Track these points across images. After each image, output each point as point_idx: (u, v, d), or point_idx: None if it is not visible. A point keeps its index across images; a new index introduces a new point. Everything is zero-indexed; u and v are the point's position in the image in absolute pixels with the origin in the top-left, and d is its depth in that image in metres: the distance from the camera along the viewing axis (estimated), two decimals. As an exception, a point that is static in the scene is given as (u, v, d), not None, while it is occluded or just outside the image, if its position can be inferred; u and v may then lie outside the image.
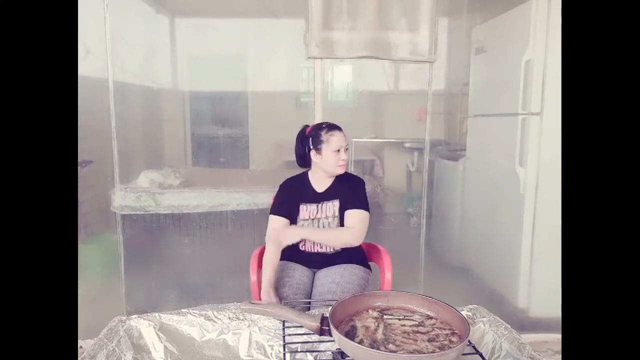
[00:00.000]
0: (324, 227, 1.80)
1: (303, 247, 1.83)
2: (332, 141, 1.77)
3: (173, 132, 3.09)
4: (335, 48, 2.38)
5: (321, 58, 2.40)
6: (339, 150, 1.78)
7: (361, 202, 1.78)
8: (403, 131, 3.31)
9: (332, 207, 1.82)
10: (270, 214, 1.84)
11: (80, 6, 1.08)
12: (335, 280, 1.71)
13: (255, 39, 2.86)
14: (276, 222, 1.81)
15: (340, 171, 1.80)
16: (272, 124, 3.08)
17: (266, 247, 1.79)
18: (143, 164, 2.80)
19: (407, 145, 3.33)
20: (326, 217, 1.81)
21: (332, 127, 1.81)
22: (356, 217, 1.75)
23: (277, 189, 1.91)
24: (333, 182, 1.85)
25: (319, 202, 1.83)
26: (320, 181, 1.85)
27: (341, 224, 1.80)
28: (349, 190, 1.83)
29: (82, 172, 2.02)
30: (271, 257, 1.72)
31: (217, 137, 2.85)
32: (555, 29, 2.25)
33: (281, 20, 2.81)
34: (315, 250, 1.82)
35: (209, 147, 2.90)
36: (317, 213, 1.82)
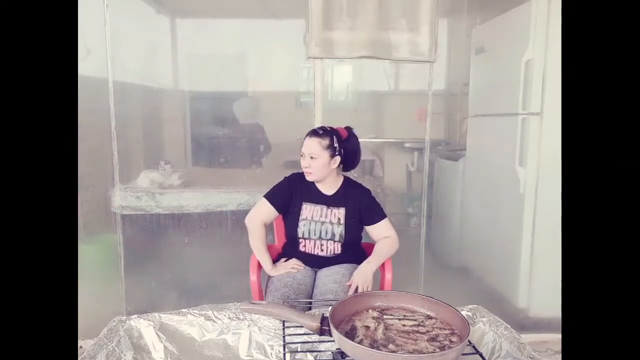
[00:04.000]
0: (326, 233, 1.81)
1: (303, 248, 1.83)
2: (302, 146, 1.81)
3: (173, 132, 3.08)
4: (335, 48, 2.38)
5: (321, 58, 2.40)
6: (302, 156, 1.79)
7: (381, 213, 1.85)
8: (403, 131, 3.31)
9: (338, 213, 1.82)
10: (264, 196, 1.87)
11: (80, 6, 1.08)
12: (336, 280, 1.72)
13: (255, 39, 2.85)
14: (264, 207, 1.84)
15: (306, 177, 1.82)
16: (272, 124, 3.08)
17: (250, 227, 1.83)
18: (143, 164, 2.80)
19: (407, 145, 3.33)
20: (330, 223, 1.81)
21: (310, 132, 1.82)
22: (385, 227, 1.83)
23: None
24: (340, 188, 1.86)
25: (326, 205, 1.83)
26: (321, 183, 1.85)
27: (348, 232, 1.81)
28: (362, 205, 1.84)
29: (82, 172, 2.02)
30: (259, 233, 1.82)
31: (217, 137, 2.85)
32: (555, 29, 2.25)
33: (281, 20, 2.81)
34: (316, 253, 1.83)
35: (209, 147, 2.90)
36: (322, 216, 1.82)
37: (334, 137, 1.79)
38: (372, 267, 1.73)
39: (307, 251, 1.83)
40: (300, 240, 1.83)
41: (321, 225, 1.81)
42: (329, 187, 1.85)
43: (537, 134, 2.37)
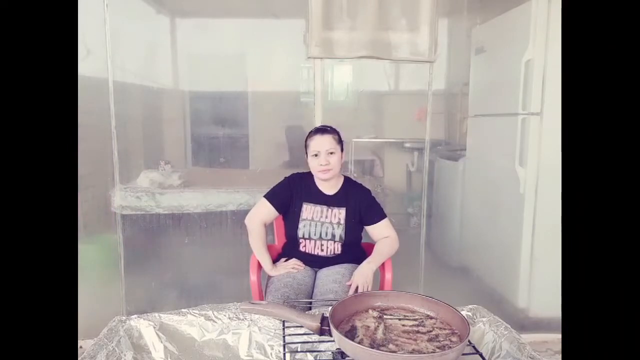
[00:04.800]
0: (326, 233, 1.80)
1: (304, 248, 1.83)
2: (310, 145, 1.79)
3: (173, 132, 3.08)
4: (335, 48, 2.38)
5: (321, 58, 2.40)
6: (316, 155, 1.77)
7: (380, 213, 1.85)
8: (403, 131, 3.31)
9: (338, 214, 1.82)
10: (264, 196, 1.87)
11: (80, 6, 1.08)
12: (336, 280, 1.71)
13: (255, 39, 2.85)
14: (264, 207, 1.84)
15: (322, 176, 1.79)
16: (272, 124, 3.08)
17: (250, 227, 1.83)
18: (143, 164, 2.80)
19: (407, 145, 3.33)
20: (330, 223, 1.81)
21: (317, 130, 1.82)
22: (385, 227, 1.84)
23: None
24: (341, 188, 1.86)
25: (327, 206, 1.83)
26: (321, 183, 1.84)
27: (349, 233, 1.80)
28: (363, 205, 1.84)
29: (82, 172, 2.01)
30: (259, 233, 1.81)
31: (217, 137, 2.84)
32: (555, 29, 2.25)
33: (281, 20, 2.81)
34: (316, 253, 1.82)
35: (209, 147, 2.90)
36: (323, 217, 1.81)
37: (337, 131, 1.84)
38: (372, 267, 1.73)
39: (307, 251, 1.83)
40: (300, 241, 1.83)
41: (321, 226, 1.81)
42: (332, 186, 1.85)
43: (537, 134, 2.37)
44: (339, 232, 1.80)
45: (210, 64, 2.97)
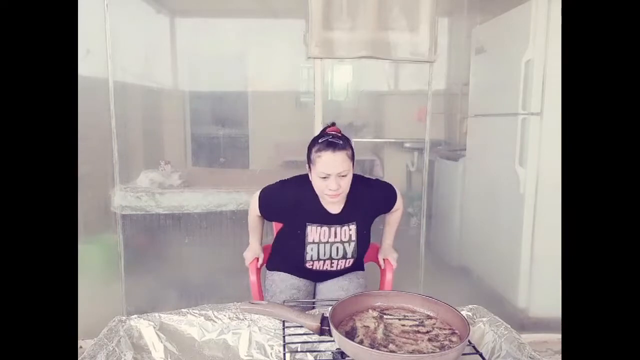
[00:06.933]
0: (337, 252, 1.61)
1: (311, 266, 1.65)
2: (317, 163, 1.47)
3: (173, 132, 3.09)
4: (335, 48, 2.38)
5: (321, 58, 2.40)
6: (325, 178, 1.46)
7: (392, 194, 1.71)
8: (403, 131, 3.32)
9: (348, 231, 1.60)
10: (260, 193, 1.67)
11: (80, 6, 1.09)
12: (343, 287, 1.67)
13: (255, 39, 2.86)
14: (254, 209, 1.69)
15: (330, 200, 1.52)
16: (272, 124, 3.09)
17: (251, 217, 1.75)
18: (143, 164, 2.80)
19: (407, 145, 3.33)
20: (341, 242, 1.61)
21: (328, 145, 1.46)
22: (399, 202, 1.77)
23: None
24: (348, 201, 1.59)
25: (335, 225, 1.59)
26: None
27: (360, 247, 1.64)
28: (375, 204, 1.67)
29: (82, 172, 2.02)
30: (255, 220, 1.75)
31: (217, 137, 2.85)
32: (555, 29, 2.25)
33: (281, 20, 2.82)
34: (325, 269, 1.66)
35: (209, 147, 2.90)
36: (331, 237, 1.60)
37: (349, 141, 1.54)
38: (392, 243, 1.83)
39: (315, 269, 1.66)
40: (307, 262, 1.64)
41: (330, 246, 1.61)
42: (335, 204, 1.59)
43: (537, 134, 2.37)
44: (351, 249, 1.62)
45: (210, 64, 2.97)
